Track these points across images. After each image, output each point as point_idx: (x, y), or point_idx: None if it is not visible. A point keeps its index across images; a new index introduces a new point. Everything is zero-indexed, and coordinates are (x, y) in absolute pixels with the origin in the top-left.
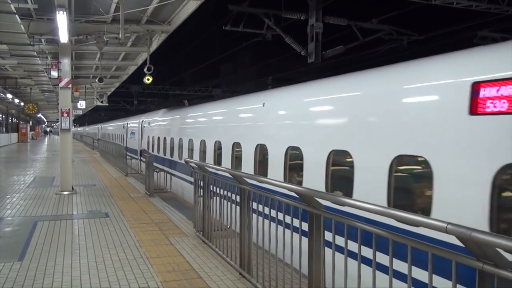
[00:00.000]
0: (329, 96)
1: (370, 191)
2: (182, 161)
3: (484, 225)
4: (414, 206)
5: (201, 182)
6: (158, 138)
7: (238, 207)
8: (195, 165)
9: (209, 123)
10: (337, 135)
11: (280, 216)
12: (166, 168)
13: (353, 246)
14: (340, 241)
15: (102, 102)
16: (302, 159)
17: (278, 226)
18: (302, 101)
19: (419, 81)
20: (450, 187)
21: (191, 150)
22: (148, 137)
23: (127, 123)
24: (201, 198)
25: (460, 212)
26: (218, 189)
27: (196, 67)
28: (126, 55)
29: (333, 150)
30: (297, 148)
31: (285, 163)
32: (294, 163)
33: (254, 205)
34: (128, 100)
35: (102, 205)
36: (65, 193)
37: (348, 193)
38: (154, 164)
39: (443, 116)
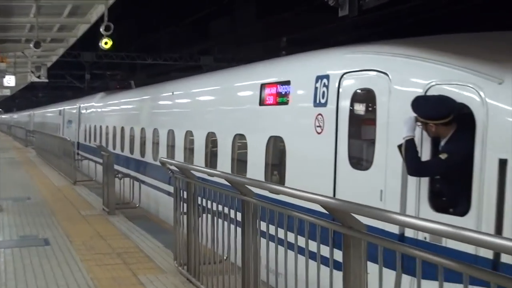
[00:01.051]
0: (218, 87)
1: (257, 167)
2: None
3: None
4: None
5: (185, 193)
6: (107, 127)
7: (239, 229)
8: (175, 168)
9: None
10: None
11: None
12: (131, 173)
13: (292, 237)
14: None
15: (39, 77)
16: (216, 144)
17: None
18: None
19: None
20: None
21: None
22: (88, 127)
23: (64, 109)
24: (185, 216)
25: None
26: (210, 202)
27: (177, 24)
28: (74, 9)
29: (237, 134)
30: (214, 134)
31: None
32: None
33: (264, 225)
34: (77, 74)
35: (40, 228)
36: None
37: (244, 170)
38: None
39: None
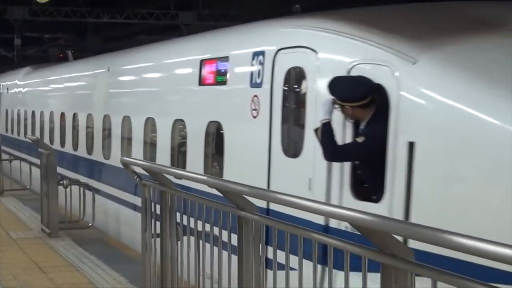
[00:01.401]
0: (154, 63)
1: (197, 159)
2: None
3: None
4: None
5: (158, 207)
6: (33, 113)
7: (235, 257)
8: (143, 171)
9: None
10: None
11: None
12: (81, 178)
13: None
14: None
15: None
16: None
17: None
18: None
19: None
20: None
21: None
22: (11, 112)
23: None
24: (158, 240)
25: None
26: (193, 220)
27: None
28: None
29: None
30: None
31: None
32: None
33: (270, 250)
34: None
35: None
36: None
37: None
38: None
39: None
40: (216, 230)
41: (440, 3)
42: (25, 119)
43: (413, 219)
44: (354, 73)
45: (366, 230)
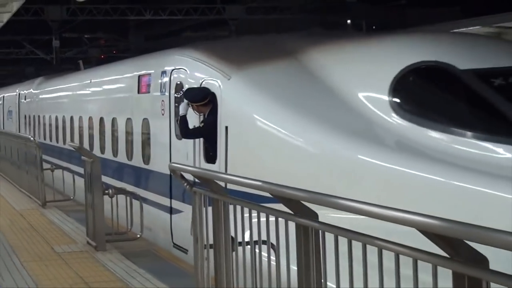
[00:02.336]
0: (112, 77)
1: (137, 147)
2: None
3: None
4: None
5: (210, 216)
6: (57, 118)
7: (294, 268)
8: (192, 177)
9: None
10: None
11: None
12: (126, 186)
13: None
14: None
15: None
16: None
17: None
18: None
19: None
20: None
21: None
22: (29, 117)
23: (3, 96)
24: (211, 251)
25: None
26: (248, 229)
27: None
28: None
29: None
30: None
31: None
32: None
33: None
34: (41, 40)
35: None
36: None
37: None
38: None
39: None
40: (273, 239)
41: (259, 37)
42: (43, 124)
43: (229, 170)
44: (203, 85)
45: (435, 235)
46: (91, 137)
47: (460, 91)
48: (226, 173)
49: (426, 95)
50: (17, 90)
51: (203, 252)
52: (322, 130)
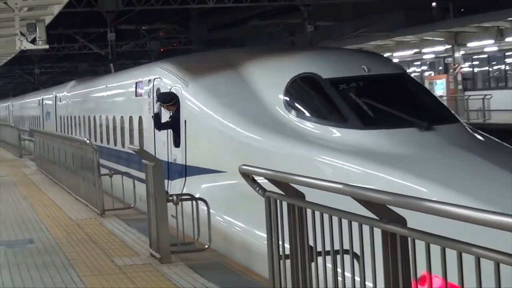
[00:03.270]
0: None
1: (135, 132)
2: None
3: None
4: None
5: (285, 223)
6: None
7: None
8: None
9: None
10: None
11: None
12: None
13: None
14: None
15: (37, 40)
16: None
17: None
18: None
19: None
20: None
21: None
22: (63, 118)
23: (42, 98)
24: (288, 262)
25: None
26: (329, 237)
27: None
28: None
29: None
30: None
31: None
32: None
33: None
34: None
35: None
36: None
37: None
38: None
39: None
40: (356, 248)
41: (213, 52)
42: (73, 124)
43: (188, 156)
44: (171, 90)
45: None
46: (105, 132)
47: (321, 94)
48: (302, 175)
49: (303, 96)
50: (54, 93)
51: (279, 263)
52: (242, 122)
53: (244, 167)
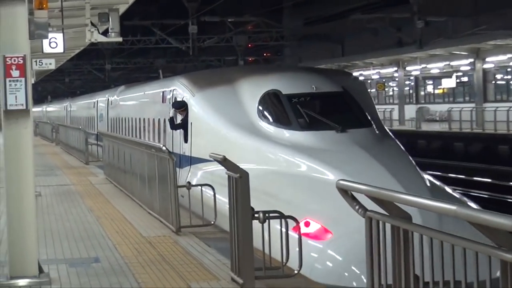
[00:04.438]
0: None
1: (162, 135)
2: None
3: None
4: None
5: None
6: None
7: None
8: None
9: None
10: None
11: None
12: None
13: None
14: None
15: (109, 32)
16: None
17: None
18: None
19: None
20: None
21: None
22: (113, 120)
23: (97, 100)
24: None
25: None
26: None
27: None
28: None
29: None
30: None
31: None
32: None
33: None
34: (174, 25)
35: None
36: (22, 283)
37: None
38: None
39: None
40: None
41: (219, 69)
42: (120, 126)
43: (192, 149)
44: (183, 99)
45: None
46: (141, 132)
47: (280, 105)
48: (409, 194)
49: (269, 107)
50: (107, 96)
51: None
52: (227, 125)
53: (342, 182)
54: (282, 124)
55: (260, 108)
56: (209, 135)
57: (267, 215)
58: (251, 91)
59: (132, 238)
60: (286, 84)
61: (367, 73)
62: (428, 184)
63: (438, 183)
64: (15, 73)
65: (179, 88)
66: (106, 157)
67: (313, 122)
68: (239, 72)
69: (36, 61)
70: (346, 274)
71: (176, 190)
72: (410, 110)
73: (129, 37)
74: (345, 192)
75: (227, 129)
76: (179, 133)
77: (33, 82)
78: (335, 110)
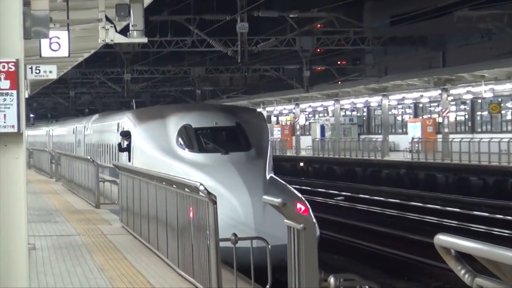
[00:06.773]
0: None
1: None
2: None
3: None
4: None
5: None
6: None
7: None
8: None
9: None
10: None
11: None
12: None
13: None
14: None
15: (130, 30)
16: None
17: None
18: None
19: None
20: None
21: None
22: (87, 145)
23: (76, 127)
24: None
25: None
26: None
27: None
28: None
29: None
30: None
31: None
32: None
33: None
34: (221, 21)
35: None
36: None
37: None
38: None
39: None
40: None
41: (162, 106)
42: (92, 150)
43: (133, 164)
44: (127, 129)
45: None
46: (101, 153)
47: (189, 136)
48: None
49: (183, 137)
50: (83, 123)
51: None
52: (158, 150)
53: (441, 237)
54: (189, 148)
55: (178, 137)
56: (144, 157)
57: (341, 280)
58: (173, 124)
59: None
60: (196, 120)
61: (477, 90)
62: (267, 184)
63: (283, 184)
64: (4, 83)
65: (126, 121)
66: (123, 199)
67: (208, 147)
68: (168, 110)
69: (32, 68)
70: None
71: (217, 244)
72: None
73: (156, 37)
74: (446, 252)
75: (156, 152)
76: (125, 154)
77: (27, 96)
78: (227, 139)
